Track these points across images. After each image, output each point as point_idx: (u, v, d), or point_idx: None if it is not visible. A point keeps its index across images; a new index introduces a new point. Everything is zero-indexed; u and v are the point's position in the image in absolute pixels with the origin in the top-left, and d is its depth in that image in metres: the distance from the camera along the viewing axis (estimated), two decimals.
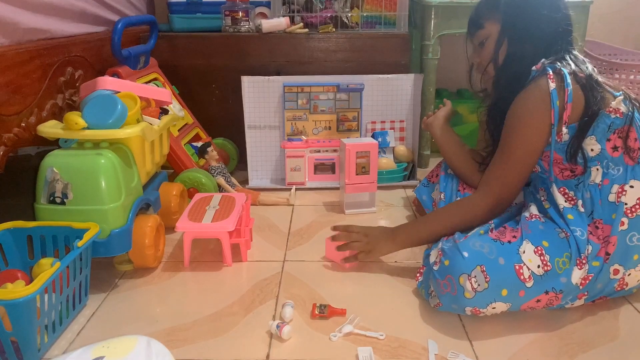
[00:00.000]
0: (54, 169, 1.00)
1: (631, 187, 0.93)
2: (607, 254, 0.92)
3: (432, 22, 1.67)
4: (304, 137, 1.65)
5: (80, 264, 0.96)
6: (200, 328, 0.94)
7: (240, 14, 1.68)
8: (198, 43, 1.69)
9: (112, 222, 1.02)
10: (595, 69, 1.02)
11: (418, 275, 1.04)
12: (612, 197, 0.94)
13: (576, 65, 0.99)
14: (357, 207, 1.46)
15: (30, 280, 0.95)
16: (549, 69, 0.97)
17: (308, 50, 1.70)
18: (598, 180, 0.96)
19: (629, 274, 0.95)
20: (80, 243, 0.93)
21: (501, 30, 1.06)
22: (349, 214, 1.44)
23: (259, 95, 1.65)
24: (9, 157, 1.05)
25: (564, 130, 0.95)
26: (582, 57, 1.05)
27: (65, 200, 1.00)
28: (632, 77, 1.79)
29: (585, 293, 0.95)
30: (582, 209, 0.96)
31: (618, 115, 0.94)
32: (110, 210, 1.01)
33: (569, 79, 0.95)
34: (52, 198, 1.01)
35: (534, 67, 1.01)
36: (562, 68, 0.97)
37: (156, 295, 1.05)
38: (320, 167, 1.64)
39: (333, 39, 1.69)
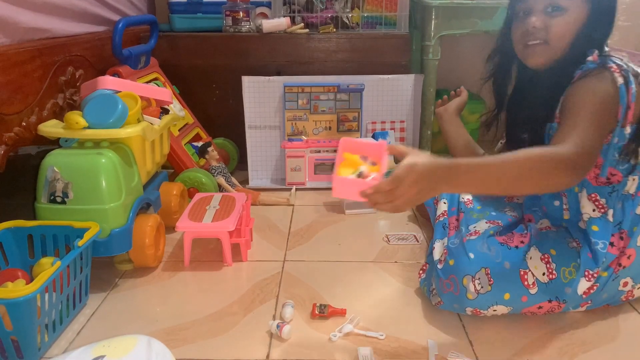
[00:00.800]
0: (55, 168, 1.00)
1: None
2: (619, 264, 0.91)
3: (433, 22, 1.67)
4: (304, 137, 1.65)
5: (80, 263, 0.96)
6: (201, 328, 0.94)
7: (241, 14, 1.68)
8: (199, 43, 1.69)
9: (112, 222, 1.02)
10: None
11: (421, 272, 1.04)
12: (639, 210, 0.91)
13: (626, 64, 0.89)
14: (357, 207, 1.45)
15: (30, 279, 0.95)
16: (612, 62, 0.88)
17: (308, 51, 1.70)
18: (632, 190, 0.92)
19: (639, 287, 0.94)
20: (80, 242, 0.93)
21: (590, 10, 0.91)
22: (349, 214, 1.44)
23: (260, 95, 1.65)
24: (10, 156, 1.05)
25: (628, 129, 0.88)
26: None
27: (65, 199, 1.00)
28: None
29: (589, 302, 0.94)
30: (611, 219, 0.92)
31: None
32: (111, 209, 1.01)
33: (631, 77, 0.86)
34: (52, 197, 1.01)
35: (590, 58, 0.89)
36: (622, 64, 0.88)
37: (156, 295, 1.05)
38: (321, 167, 1.64)
39: (334, 39, 1.69)
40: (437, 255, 0.99)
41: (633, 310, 1.00)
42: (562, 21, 0.92)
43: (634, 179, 0.92)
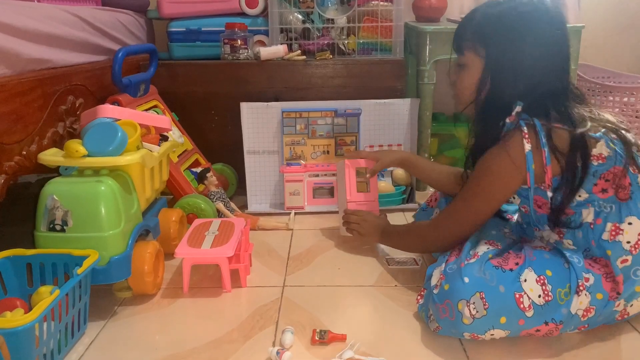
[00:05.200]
0: (55, 196, 1.00)
1: (629, 224, 0.91)
2: (618, 293, 0.91)
3: (428, 48, 1.70)
4: (302, 162, 1.66)
5: (79, 291, 0.96)
6: (200, 355, 0.94)
7: (239, 42, 1.71)
8: (197, 71, 1.72)
9: (111, 249, 1.02)
10: (586, 111, 0.96)
11: (419, 297, 1.04)
12: (605, 236, 0.92)
13: (559, 114, 0.93)
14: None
15: (29, 308, 0.95)
16: (523, 126, 0.92)
17: (306, 77, 1.72)
18: (590, 219, 0.94)
19: (631, 305, 0.94)
20: (79, 270, 0.93)
21: (484, 68, 0.99)
22: (345, 235, 1.42)
23: (258, 121, 1.66)
24: (9, 184, 1.06)
25: (549, 193, 0.94)
26: (579, 93, 1.00)
27: (65, 227, 1.01)
28: (625, 99, 1.81)
29: (586, 325, 0.94)
30: (571, 247, 0.96)
31: (601, 161, 0.91)
32: (110, 237, 1.01)
33: (544, 139, 0.91)
34: (52, 225, 1.01)
35: (507, 119, 0.95)
36: (536, 124, 0.91)
37: (155, 323, 1.05)
38: (319, 191, 1.65)
39: (330, 65, 1.72)
40: (434, 280, 0.99)
41: (635, 333, 1.00)
42: (463, 76, 1.03)
43: (588, 211, 0.94)
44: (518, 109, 0.95)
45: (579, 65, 1.80)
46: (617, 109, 1.84)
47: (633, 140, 0.94)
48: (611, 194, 0.92)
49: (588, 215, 0.94)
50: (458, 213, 1.05)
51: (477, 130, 1.04)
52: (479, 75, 1.00)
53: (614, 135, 0.92)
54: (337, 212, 1.59)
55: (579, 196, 0.94)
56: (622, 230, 0.91)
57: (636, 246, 0.91)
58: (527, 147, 0.92)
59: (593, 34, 2.03)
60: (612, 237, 0.92)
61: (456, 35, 1.04)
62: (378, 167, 1.38)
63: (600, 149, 0.91)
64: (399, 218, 1.59)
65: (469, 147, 1.07)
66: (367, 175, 1.40)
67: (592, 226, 0.94)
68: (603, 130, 0.92)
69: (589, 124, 0.92)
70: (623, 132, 0.94)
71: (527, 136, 0.92)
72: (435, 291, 0.96)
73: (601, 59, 2.09)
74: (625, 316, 0.96)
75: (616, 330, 1.00)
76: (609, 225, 0.92)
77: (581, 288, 0.90)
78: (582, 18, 1.86)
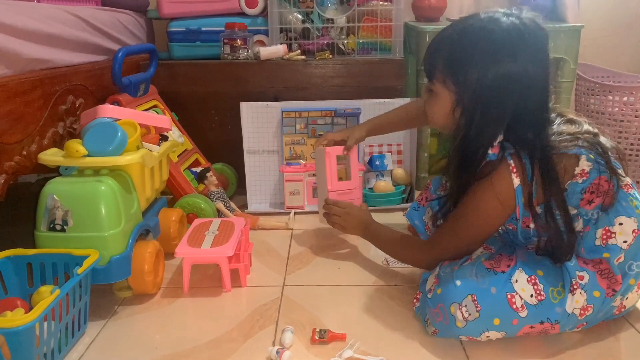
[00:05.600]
0: (55, 196, 1.00)
1: (620, 224, 0.90)
2: (615, 290, 0.91)
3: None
4: (302, 161, 1.66)
5: (79, 291, 0.96)
6: (200, 355, 0.94)
7: (239, 41, 1.71)
8: (197, 70, 1.72)
9: (111, 249, 1.02)
10: (564, 127, 0.94)
11: (415, 301, 1.04)
12: (597, 242, 0.92)
13: (541, 142, 0.90)
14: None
15: (29, 308, 0.95)
16: (510, 159, 0.90)
17: (305, 77, 1.72)
18: (579, 228, 0.93)
19: (627, 298, 0.95)
20: (79, 270, 0.93)
21: (455, 103, 0.93)
22: (324, 225, 1.38)
23: (258, 121, 1.67)
24: (9, 184, 1.06)
25: (538, 209, 0.93)
26: (555, 115, 0.97)
27: (65, 227, 1.01)
28: (625, 98, 1.81)
29: (584, 323, 0.94)
30: None
31: (584, 177, 0.90)
32: (110, 236, 1.02)
33: (531, 173, 0.89)
34: (52, 225, 1.01)
35: (490, 151, 0.91)
36: (523, 157, 0.89)
37: (155, 322, 1.05)
38: None
39: (330, 65, 1.72)
40: (428, 284, 0.99)
41: (634, 331, 1.00)
42: (432, 103, 0.98)
43: (577, 223, 0.93)
44: (500, 138, 0.91)
45: (578, 65, 1.80)
46: (617, 109, 1.84)
47: (609, 145, 0.93)
48: (597, 203, 0.91)
49: (578, 226, 0.93)
50: (449, 241, 1.02)
51: (454, 168, 0.98)
52: (449, 107, 0.95)
53: (590, 145, 0.91)
54: None
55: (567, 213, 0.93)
56: (614, 232, 0.90)
57: (630, 243, 0.91)
58: (516, 182, 0.90)
59: (593, 33, 2.03)
60: (604, 242, 0.91)
61: (425, 61, 0.98)
62: (352, 142, 1.36)
63: (582, 166, 0.90)
64: (399, 218, 1.59)
65: (449, 192, 1.03)
66: (345, 152, 1.37)
67: (581, 234, 0.93)
68: (580, 144, 0.91)
69: (568, 143, 0.91)
70: (600, 138, 0.93)
71: (514, 170, 0.90)
72: (429, 295, 0.96)
73: (601, 59, 2.09)
74: (622, 309, 0.97)
75: (615, 328, 1.00)
76: (599, 232, 0.91)
77: (575, 286, 0.90)
78: (581, 17, 1.86)
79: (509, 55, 0.87)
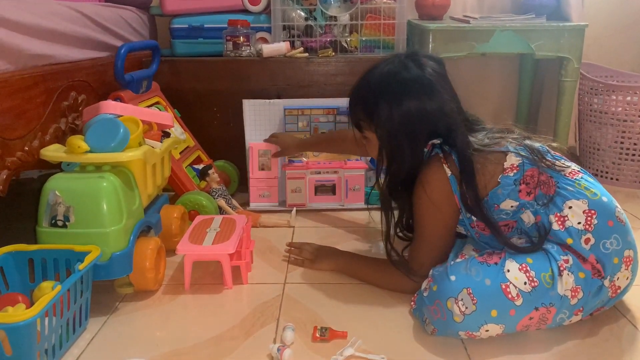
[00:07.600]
0: (57, 192, 1.00)
1: (570, 207, 0.94)
2: (599, 272, 0.93)
3: (430, 46, 1.70)
4: (304, 159, 1.66)
5: (81, 287, 0.96)
6: (201, 352, 0.94)
7: (242, 38, 1.71)
8: (200, 67, 1.72)
9: (113, 245, 1.02)
10: (486, 132, 1.04)
11: (412, 303, 1.05)
12: (555, 226, 0.95)
13: (462, 145, 0.99)
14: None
15: (31, 303, 0.95)
16: (440, 152, 1.01)
17: (308, 74, 1.72)
18: (532, 220, 0.97)
19: (617, 278, 0.95)
20: (81, 266, 0.93)
21: (379, 140, 1.06)
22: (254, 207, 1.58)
23: (260, 118, 1.66)
24: (12, 180, 1.06)
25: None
26: (474, 118, 1.08)
27: (67, 223, 1.01)
28: (628, 98, 1.81)
29: (581, 309, 0.94)
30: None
31: (515, 170, 0.97)
32: (112, 233, 1.02)
33: (459, 165, 0.98)
34: (54, 221, 1.01)
35: (425, 149, 1.04)
36: (450, 151, 1.00)
37: (157, 319, 1.05)
38: (321, 189, 1.65)
39: (333, 62, 1.71)
40: (424, 284, 1.01)
41: (635, 330, 1.00)
42: (368, 146, 1.11)
43: (527, 214, 0.98)
44: (435, 141, 1.03)
45: (582, 64, 1.80)
46: (620, 108, 1.84)
47: (536, 145, 1.02)
48: (537, 193, 0.97)
49: (529, 218, 0.98)
50: (426, 255, 1.06)
51: (396, 191, 1.10)
52: (378, 147, 1.07)
53: (517, 142, 1.01)
54: (339, 210, 1.59)
55: (511, 206, 0.99)
56: (566, 216, 0.94)
57: (588, 223, 0.93)
58: (448, 171, 1.00)
59: (596, 32, 2.02)
60: (561, 226, 0.94)
61: (349, 112, 1.12)
62: (278, 155, 1.59)
63: (510, 160, 0.98)
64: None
65: (399, 208, 1.14)
66: (270, 157, 1.61)
67: (537, 224, 0.97)
68: (507, 143, 1.01)
69: (491, 142, 1.01)
70: (528, 141, 1.03)
71: (445, 161, 1.00)
72: (425, 294, 0.98)
73: (604, 58, 2.08)
74: (618, 291, 0.97)
75: (617, 329, 1.00)
76: (551, 217, 0.95)
77: (562, 268, 0.92)
78: (585, 16, 1.85)
79: (406, 94, 1.01)
